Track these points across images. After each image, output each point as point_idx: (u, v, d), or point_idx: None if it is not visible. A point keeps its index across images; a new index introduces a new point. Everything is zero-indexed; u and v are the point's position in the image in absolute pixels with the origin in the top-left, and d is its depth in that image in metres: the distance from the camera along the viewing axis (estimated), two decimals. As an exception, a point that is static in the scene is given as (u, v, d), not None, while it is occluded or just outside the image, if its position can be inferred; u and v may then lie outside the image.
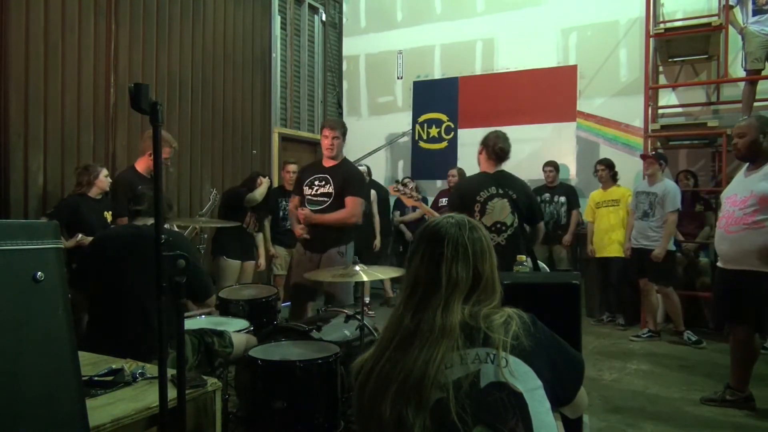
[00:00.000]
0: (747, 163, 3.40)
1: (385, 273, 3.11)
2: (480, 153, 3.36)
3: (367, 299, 6.22)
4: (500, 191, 3.18)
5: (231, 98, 6.18)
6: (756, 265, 3.15)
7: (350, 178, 3.80)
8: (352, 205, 3.73)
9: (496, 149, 3.27)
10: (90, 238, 3.81)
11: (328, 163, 3.82)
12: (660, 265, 4.89)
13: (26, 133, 4.24)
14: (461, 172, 6.37)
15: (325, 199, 3.74)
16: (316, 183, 3.77)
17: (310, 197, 3.77)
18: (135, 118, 4.93)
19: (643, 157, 5.24)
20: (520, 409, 1.15)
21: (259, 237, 5.18)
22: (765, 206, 3.14)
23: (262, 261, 5.22)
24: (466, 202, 3.13)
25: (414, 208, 6.73)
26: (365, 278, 2.80)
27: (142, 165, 4.07)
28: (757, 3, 5.05)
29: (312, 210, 3.74)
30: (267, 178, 5.05)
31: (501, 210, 3.14)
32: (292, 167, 5.64)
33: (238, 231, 4.80)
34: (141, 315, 2.38)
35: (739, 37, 5.23)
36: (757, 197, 3.17)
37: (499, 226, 3.14)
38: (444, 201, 6.23)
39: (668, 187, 4.98)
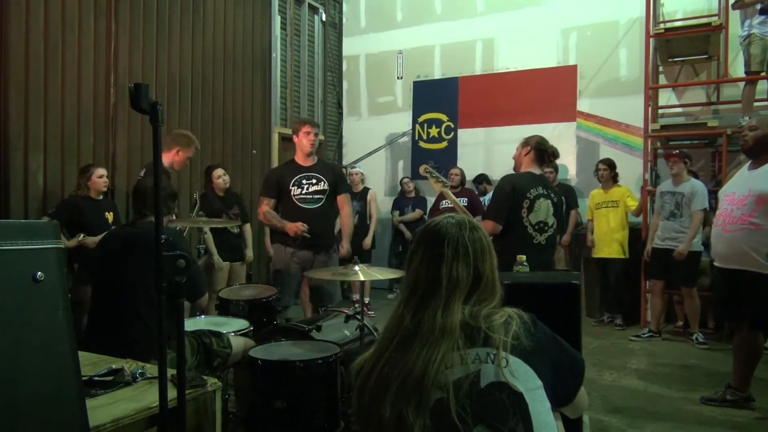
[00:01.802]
0: (749, 161, 3.41)
1: (383, 273, 3.10)
2: (525, 154, 3.28)
3: (366, 299, 6.23)
4: (545, 192, 3.18)
5: (231, 98, 6.18)
6: (752, 266, 3.15)
7: (341, 175, 3.96)
8: (349, 203, 3.89)
9: (549, 152, 3.26)
10: (92, 238, 3.82)
11: (306, 161, 3.80)
12: (687, 265, 4.87)
13: (26, 133, 4.24)
14: (462, 171, 6.39)
15: (321, 196, 3.77)
16: (305, 182, 3.75)
17: (301, 196, 3.73)
18: (135, 118, 4.93)
19: (668, 156, 5.15)
20: (520, 409, 1.15)
21: (246, 228, 5.12)
22: (762, 207, 3.13)
23: (249, 252, 5.15)
24: (517, 197, 3.10)
25: (413, 208, 6.75)
26: (362, 278, 2.79)
27: (167, 160, 3.81)
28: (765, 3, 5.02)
29: (307, 208, 3.72)
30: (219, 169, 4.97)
31: (546, 210, 3.15)
32: None
33: (221, 232, 4.81)
34: (140, 315, 2.38)
35: (741, 39, 5.20)
36: (755, 197, 3.17)
37: (542, 225, 3.14)
38: (447, 202, 6.22)
39: (696, 186, 4.92)
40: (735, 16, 5.71)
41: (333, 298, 3.84)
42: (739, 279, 3.23)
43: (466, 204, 6.17)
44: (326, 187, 3.76)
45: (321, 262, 3.77)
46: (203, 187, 5.14)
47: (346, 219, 3.87)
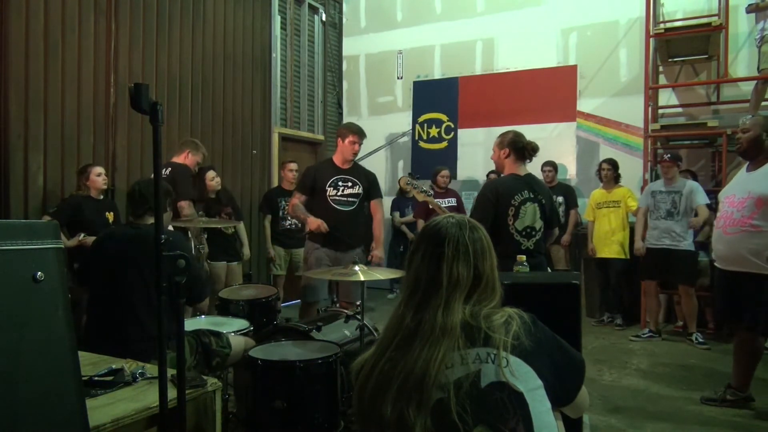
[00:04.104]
0: (747, 163, 3.40)
1: (383, 273, 3.10)
2: (505, 156, 3.17)
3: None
4: (531, 195, 3.10)
5: (231, 98, 6.18)
6: (752, 267, 3.15)
7: (374, 180, 4.00)
8: (381, 207, 3.98)
9: (529, 148, 3.13)
10: (92, 238, 3.83)
11: (344, 165, 3.88)
12: (686, 263, 4.86)
13: (26, 133, 4.24)
14: (450, 173, 6.39)
15: (354, 199, 3.85)
16: (341, 183, 3.83)
17: (337, 198, 3.81)
18: (135, 118, 4.93)
19: (660, 162, 5.13)
20: (520, 409, 1.15)
21: (240, 227, 5.14)
22: (762, 208, 3.13)
23: (246, 250, 5.19)
24: (501, 205, 3.04)
25: (413, 209, 6.75)
26: (362, 278, 2.78)
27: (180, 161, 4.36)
28: None
29: (341, 209, 3.79)
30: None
31: (533, 215, 3.08)
32: (292, 166, 5.65)
33: (216, 233, 4.83)
34: (140, 315, 2.38)
35: (757, 42, 5.17)
36: (755, 198, 3.16)
37: (529, 230, 3.07)
38: (445, 202, 6.21)
39: (690, 183, 4.93)
40: (735, 16, 5.72)
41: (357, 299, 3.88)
42: (740, 280, 3.23)
43: (454, 204, 6.17)
44: (360, 191, 3.86)
45: (346, 260, 3.79)
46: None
47: (378, 225, 3.93)
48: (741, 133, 3.32)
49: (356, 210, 3.84)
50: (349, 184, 3.84)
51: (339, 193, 3.81)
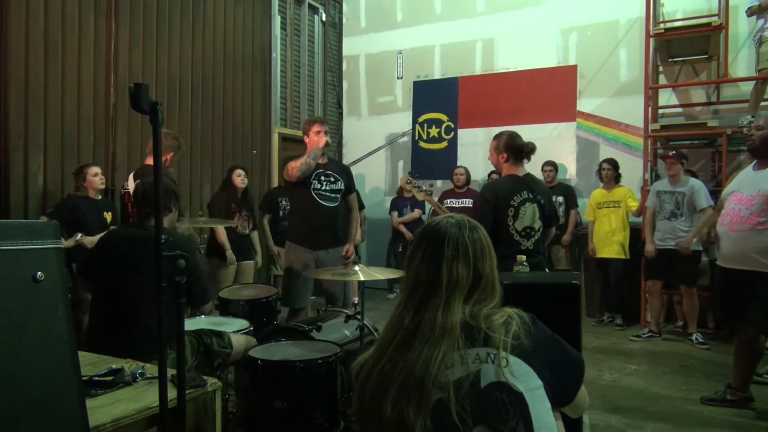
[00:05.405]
0: (752, 162, 3.39)
1: (383, 273, 3.10)
2: (505, 161, 3.17)
3: (355, 299, 6.22)
4: (530, 196, 3.11)
5: (231, 98, 6.18)
6: (760, 266, 3.13)
7: (351, 174, 3.89)
8: (357, 204, 3.88)
9: (526, 150, 3.14)
10: (90, 238, 3.83)
11: (320, 159, 3.70)
12: (689, 264, 4.85)
13: (26, 133, 4.24)
14: (467, 170, 6.37)
15: (337, 195, 3.72)
16: (323, 178, 3.70)
17: (322, 192, 3.66)
18: (135, 118, 4.93)
19: (664, 158, 5.12)
20: (520, 409, 1.15)
21: (254, 235, 5.18)
22: None
23: (259, 258, 5.23)
24: (501, 206, 3.06)
25: (411, 208, 6.75)
26: (362, 278, 2.78)
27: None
28: None
29: (327, 205, 3.67)
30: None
31: (532, 215, 3.09)
32: None
33: (230, 232, 4.83)
34: (141, 315, 2.38)
35: (755, 43, 5.19)
36: (765, 197, 3.14)
37: (528, 231, 3.08)
38: (451, 202, 6.19)
39: (695, 184, 4.89)
40: (735, 16, 5.73)
41: (336, 300, 3.79)
42: (744, 279, 3.21)
43: (471, 205, 6.15)
44: (342, 187, 3.74)
45: (331, 260, 3.70)
46: (221, 184, 5.16)
47: (354, 221, 3.83)
48: (755, 130, 3.29)
49: (339, 207, 3.72)
50: (332, 179, 3.70)
51: (323, 188, 3.66)
